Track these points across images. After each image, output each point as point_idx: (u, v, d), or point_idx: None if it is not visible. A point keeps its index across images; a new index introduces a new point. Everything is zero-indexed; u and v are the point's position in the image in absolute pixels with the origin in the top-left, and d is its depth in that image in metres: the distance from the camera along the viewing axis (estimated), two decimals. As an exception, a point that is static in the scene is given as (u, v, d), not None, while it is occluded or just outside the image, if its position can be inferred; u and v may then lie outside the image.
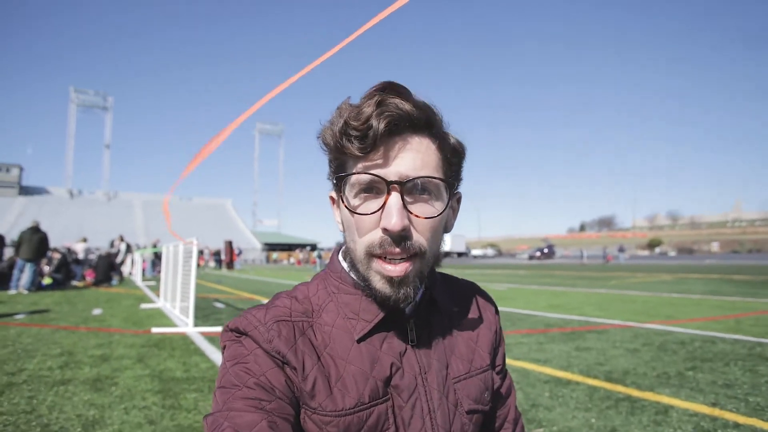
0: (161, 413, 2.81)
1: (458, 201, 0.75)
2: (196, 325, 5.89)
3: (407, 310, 0.69)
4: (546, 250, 54.99)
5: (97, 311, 7.41)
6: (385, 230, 0.59)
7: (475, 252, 70.52)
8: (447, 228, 0.71)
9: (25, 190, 61.32)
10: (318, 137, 0.66)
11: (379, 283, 0.62)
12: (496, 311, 0.83)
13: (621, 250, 39.76)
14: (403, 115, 0.59)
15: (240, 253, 29.13)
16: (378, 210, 0.60)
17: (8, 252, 13.63)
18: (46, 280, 11.93)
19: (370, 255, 0.61)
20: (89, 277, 14.12)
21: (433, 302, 0.73)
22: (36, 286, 11.09)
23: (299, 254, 51.75)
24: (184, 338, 5.21)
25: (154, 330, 5.63)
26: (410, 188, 0.61)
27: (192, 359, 4.22)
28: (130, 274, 17.86)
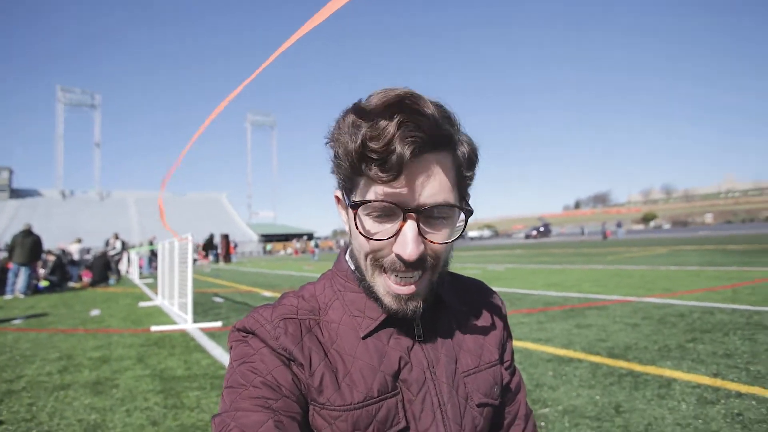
0: (164, 413, 2.79)
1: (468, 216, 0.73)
2: (195, 321, 5.86)
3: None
4: (542, 229, 55.29)
5: (95, 312, 7.36)
6: (399, 257, 0.58)
7: (471, 234, 70.85)
8: (462, 236, 0.71)
9: (15, 193, 60.62)
10: (328, 144, 0.62)
11: (385, 298, 0.63)
12: (503, 309, 0.84)
13: (619, 225, 39.93)
14: (426, 139, 0.56)
15: (236, 246, 29.00)
16: (393, 236, 0.59)
17: (1, 256, 13.47)
18: (43, 283, 11.85)
19: (378, 268, 0.62)
20: (86, 278, 14.04)
21: (440, 300, 0.73)
22: (32, 289, 11.01)
23: (296, 244, 51.74)
24: (184, 335, 5.18)
25: (154, 328, 5.60)
26: (425, 214, 0.59)
27: (193, 356, 4.20)
28: (127, 272, 17.79)
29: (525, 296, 7.17)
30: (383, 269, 0.62)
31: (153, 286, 11.75)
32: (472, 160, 0.64)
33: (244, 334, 0.64)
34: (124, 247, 17.55)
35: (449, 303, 0.74)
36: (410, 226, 0.58)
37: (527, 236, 53.76)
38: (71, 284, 13.38)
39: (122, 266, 17.57)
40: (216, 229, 41.73)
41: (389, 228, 0.60)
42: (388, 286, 0.62)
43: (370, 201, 0.58)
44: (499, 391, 0.74)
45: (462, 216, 0.64)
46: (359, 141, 0.55)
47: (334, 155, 0.62)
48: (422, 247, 0.59)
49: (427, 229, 0.60)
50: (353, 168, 0.59)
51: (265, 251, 53.34)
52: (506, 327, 0.82)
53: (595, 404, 2.63)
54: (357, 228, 0.61)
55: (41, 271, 12.33)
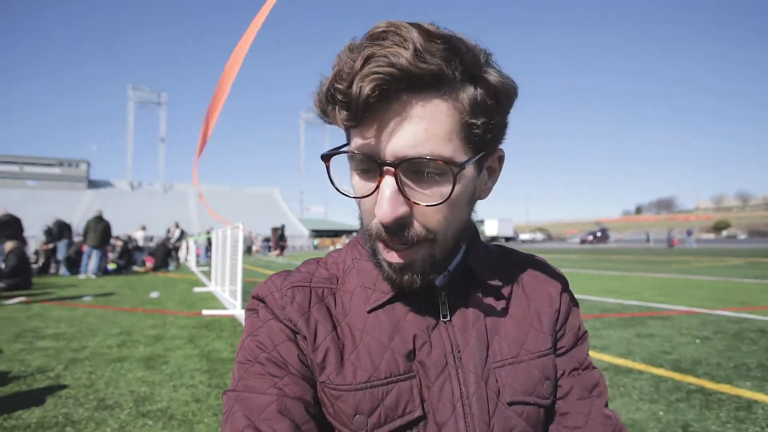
0: (207, 392, 2.86)
1: (500, 160, 0.60)
2: (243, 307, 6.04)
3: (437, 281, 0.59)
4: (599, 234, 52.56)
5: (154, 294, 7.80)
6: (379, 220, 0.50)
7: (523, 237, 68.64)
8: (477, 197, 0.58)
9: (92, 184, 66.15)
10: (313, 105, 0.54)
11: (384, 266, 0.56)
12: (564, 288, 0.69)
13: (689, 233, 36.75)
14: (396, 74, 0.44)
15: (286, 239, 29.75)
16: (372, 193, 0.51)
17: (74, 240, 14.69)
18: (111, 265, 12.78)
19: (373, 237, 0.55)
20: (149, 263, 14.99)
21: (470, 272, 0.62)
22: (102, 271, 11.89)
23: (345, 239, 52.55)
24: (232, 320, 5.34)
25: (205, 312, 5.83)
26: (408, 169, 0.49)
27: (238, 340, 4.30)
28: (186, 259, 18.81)
29: (580, 301, 6.66)
30: (374, 236, 0.54)
31: (208, 274, 12.33)
32: (486, 104, 0.50)
33: (257, 302, 0.61)
34: (183, 235, 18.58)
35: (482, 275, 0.62)
36: (387, 183, 0.48)
37: (583, 241, 51.30)
38: (135, 268, 14.36)
39: (181, 254, 18.60)
40: (269, 223, 43.25)
41: (371, 186, 0.51)
42: (381, 253, 0.54)
43: (340, 151, 0.52)
44: (552, 389, 0.61)
45: (471, 172, 0.53)
46: (329, 82, 0.48)
47: (315, 109, 0.54)
48: (403, 209, 0.49)
49: (413, 188, 0.49)
50: (325, 116, 0.52)
51: (314, 247, 54.71)
52: (565, 309, 0.67)
53: (658, 420, 2.38)
54: (334, 186, 0.54)
55: (110, 255, 13.31)
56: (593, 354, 3.72)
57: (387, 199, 0.48)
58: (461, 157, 0.50)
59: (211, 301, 7.14)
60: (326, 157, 0.52)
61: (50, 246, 12.83)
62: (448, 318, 0.59)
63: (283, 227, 29.24)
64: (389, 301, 0.59)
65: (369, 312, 0.58)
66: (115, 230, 13.42)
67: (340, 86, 0.46)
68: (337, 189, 0.54)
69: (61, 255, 12.44)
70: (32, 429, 2.31)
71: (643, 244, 40.97)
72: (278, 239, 28.06)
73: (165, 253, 15.19)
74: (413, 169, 0.49)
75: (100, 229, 11.55)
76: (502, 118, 0.54)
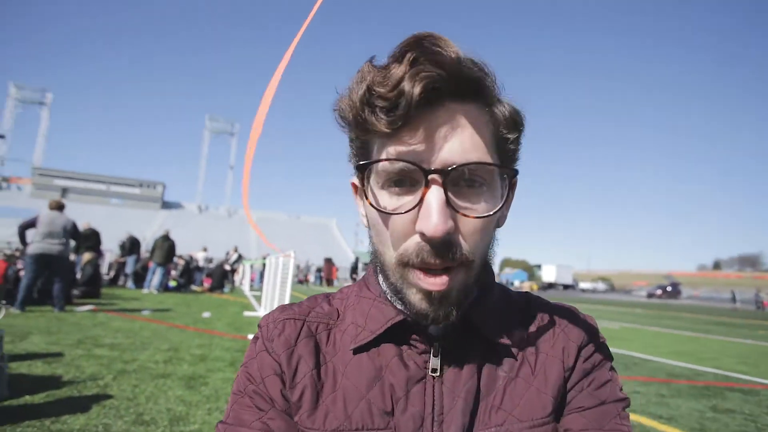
0: (240, 418, 2.83)
1: (513, 188, 0.56)
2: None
3: (431, 329, 0.53)
4: (669, 288, 48.44)
5: (206, 314, 8.09)
6: (422, 235, 0.45)
7: (583, 285, 64.68)
8: (499, 223, 0.55)
9: (166, 205, 71.57)
10: (334, 109, 0.51)
11: (415, 298, 0.49)
12: (587, 340, 0.58)
13: None
14: (445, 76, 0.44)
15: (338, 269, 30.17)
16: (413, 208, 0.46)
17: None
18: (172, 283, 13.53)
19: (404, 264, 0.48)
20: (206, 283, 15.72)
21: (470, 324, 0.54)
22: (164, 287, 12.61)
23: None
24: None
25: (251, 336, 5.92)
26: (456, 179, 0.46)
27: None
28: (241, 283, 19.53)
29: (643, 362, 6.14)
30: (408, 262, 0.48)
31: (260, 299, 12.68)
32: (515, 120, 0.51)
33: (258, 332, 0.60)
34: (240, 259, 19.38)
35: (483, 327, 0.54)
36: (435, 193, 0.45)
37: (650, 295, 47.40)
38: (194, 287, 15.09)
39: (237, 277, 19.37)
40: (323, 253, 44.26)
41: (409, 201, 0.47)
42: (417, 281, 0.48)
43: (379, 160, 0.47)
44: None
45: (505, 188, 0.50)
46: (364, 87, 0.45)
47: (341, 119, 0.51)
48: (452, 222, 0.45)
49: (457, 200, 0.47)
50: (359, 124, 0.47)
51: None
52: (590, 361, 0.57)
53: None
54: (368, 198, 0.49)
55: (173, 273, 14.12)
56: (656, 424, 3.31)
57: (437, 210, 0.44)
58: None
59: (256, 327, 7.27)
60: (362, 168, 0.49)
61: (122, 260, 13.88)
62: (438, 373, 0.52)
63: (356, 260, 29.89)
64: (375, 343, 0.53)
65: (354, 352, 0.54)
66: (181, 249, 14.30)
67: (382, 89, 0.44)
68: (372, 205, 0.48)
69: (129, 269, 13.39)
70: (73, 436, 2.39)
71: (725, 304, 37.00)
72: (351, 271, 28.83)
73: (222, 275, 15.88)
74: (461, 179, 0.46)
75: (166, 248, 12.34)
76: (520, 143, 0.54)
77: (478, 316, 0.54)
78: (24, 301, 6.53)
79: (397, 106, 0.44)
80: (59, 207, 6.95)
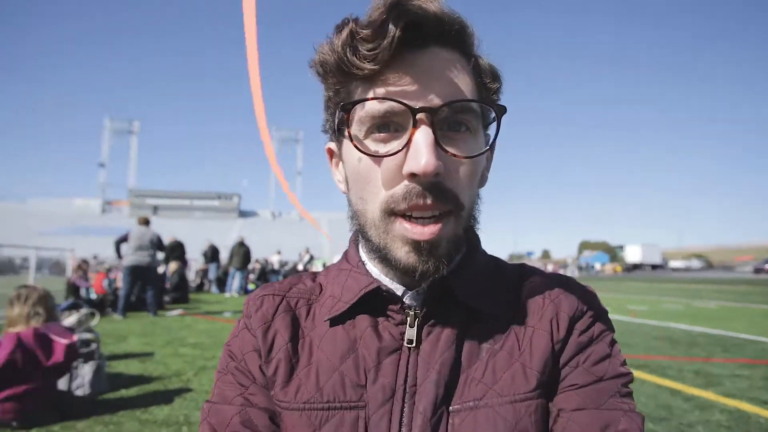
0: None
1: (492, 149, 0.55)
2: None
3: (406, 297, 0.51)
4: (781, 262, 42.64)
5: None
6: (412, 176, 0.44)
7: (674, 264, 59.26)
8: (482, 181, 0.53)
9: (242, 214, 76.60)
10: (312, 61, 0.49)
11: (401, 251, 0.46)
12: (581, 310, 0.53)
13: None
14: (428, 17, 0.43)
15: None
16: (401, 150, 0.44)
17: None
18: (251, 286, 14.42)
19: (390, 213, 0.46)
20: (282, 284, 16.54)
21: (450, 291, 0.50)
22: (243, 290, 13.48)
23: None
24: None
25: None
26: (443, 119, 0.45)
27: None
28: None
29: (745, 343, 5.49)
30: (398, 213, 0.45)
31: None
32: (494, 72, 0.52)
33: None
34: (312, 260, 20.19)
35: (464, 295, 0.50)
36: (423, 131, 0.43)
37: (758, 270, 42.15)
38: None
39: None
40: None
41: (396, 145, 0.45)
42: (403, 231, 0.45)
43: (364, 99, 0.45)
44: None
45: (492, 131, 0.50)
46: (347, 31, 0.44)
47: (321, 67, 0.48)
48: (441, 163, 0.43)
49: (444, 137, 0.45)
50: (341, 68, 0.45)
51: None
52: (586, 333, 0.51)
53: None
54: (352, 142, 0.46)
55: (251, 276, 15.05)
56: (759, 410, 2.93)
57: (427, 147, 0.42)
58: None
59: (328, 321, 7.53)
60: (347, 109, 0.46)
61: (205, 267, 15.05)
62: (414, 344, 0.49)
63: None
64: (350, 314, 0.52)
65: (329, 324, 0.53)
66: (257, 254, 15.20)
67: (365, 30, 0.43)
68: (358, 147, 0.46)
69: (212, 275, 14.48)
70: (158, 424, 2.64)
71: None
72: None
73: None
74: (447, 121, 0.46)
75: (242, 253, 13.17)
76: (500, 90, 0.53)
77: (459, 282, 0.51)
78: (124, 308, 7.32)
79: (380, 45, 0.42)
80: (146, 222, 7.71)
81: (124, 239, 7.53)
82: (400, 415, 0.46)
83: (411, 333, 0.50)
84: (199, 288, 14.59)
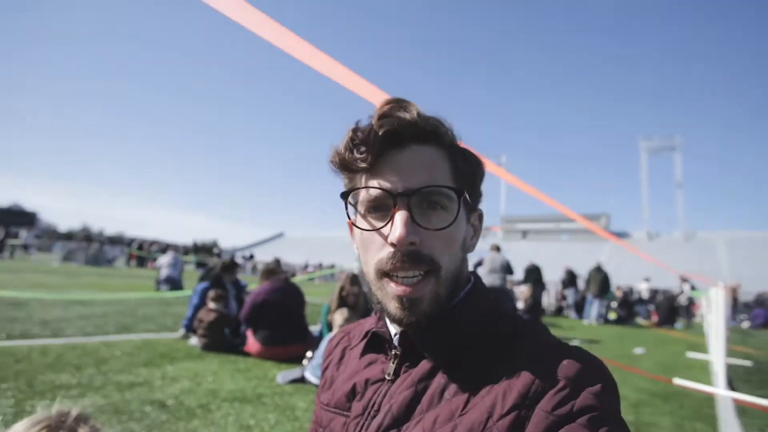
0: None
1: (480, 219, 0.67)
2: (734, 388, 4.75)
3: (395, 340, 0.65)
4: None
5: (638, 350, 7.49)
6: (392, 245, 0.56)
7: None
8: (467, 247, 0.64)
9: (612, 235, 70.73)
10: (329, 161, 0.65)
11: (391, 305, 0.59)
12: (558, 389, 0.49)
13: None
14: (404, 123, 0.59)
15: None
16: (386, 225, 0.58)
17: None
18: (611, 315, 13.26)
19: (381, 274, 0.59)
20: (654, 317, 14.27)
21: (428, 340, 0.60)
22: (603, 318, 12.58)
23: None
24: (709, 399, 4.35)
25: (677, 380, 5.05)
26: (419, 201, 0.58)
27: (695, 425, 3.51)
28: (701, 317, 16.37)
29: None
30: (386, 274, 0.58)
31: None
32: (470, 160, 0.64)
33: None
34: (693, 290, 16.37)
35: (427, 350, 0.59)
36: (401, 212, 0.56)
37: None
38: (639, 320, 14.06)
39: (699, 310, 16.39)
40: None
41: (382, 222, 0.59)
42: (391, 290, 0.58)
43: (358, 188, 0.60)
44: None
45: (460, 208, 0.59)
46: (348, 136, 0.60)
47: (333, 164, 0.63)
48: (415, 234, 0.56)
49: (420, 218, 0.57)
50: (344, 165, 0.60)
51: None
52: (543, 400, 0.49)
53: None
54: (349, 221, 0.64)
55: (613, 304, 13.81)
56: None
57: (402, 222, 0.55)
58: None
59: (698, 370, 6.05)
60: (345, 195, 0.62)
61: (564, 292, 15.02)
62: (391, 378, 0.61)
63: None
64: (367, 348, 0.69)
65: (358, 354, 0.71)
66: (630, 280, 13.84)
67: (360, 134, 0.59)
68: (356, 226, 0.62)
69: (570, 300, 14.28)
70: None
71: None
72: None
73: (669, 309, 14.02)
74: (423, 201, 0.58)
75: (599, 279, 12.39)
76: (478, 182, 0.64)
77: (427, 334, 0.59)
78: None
79: (368, 144, 0.57)
80: (497, 249, 8.76)
81: (479, 263, 8.81)
82: (361, 428, 0.60)
83: (391, 368, 0.62)
84: (558, 312, 14.69)
